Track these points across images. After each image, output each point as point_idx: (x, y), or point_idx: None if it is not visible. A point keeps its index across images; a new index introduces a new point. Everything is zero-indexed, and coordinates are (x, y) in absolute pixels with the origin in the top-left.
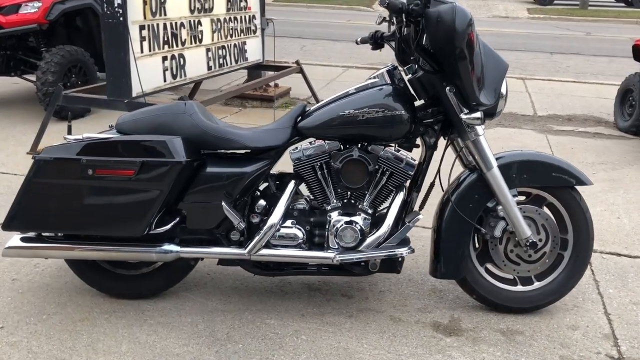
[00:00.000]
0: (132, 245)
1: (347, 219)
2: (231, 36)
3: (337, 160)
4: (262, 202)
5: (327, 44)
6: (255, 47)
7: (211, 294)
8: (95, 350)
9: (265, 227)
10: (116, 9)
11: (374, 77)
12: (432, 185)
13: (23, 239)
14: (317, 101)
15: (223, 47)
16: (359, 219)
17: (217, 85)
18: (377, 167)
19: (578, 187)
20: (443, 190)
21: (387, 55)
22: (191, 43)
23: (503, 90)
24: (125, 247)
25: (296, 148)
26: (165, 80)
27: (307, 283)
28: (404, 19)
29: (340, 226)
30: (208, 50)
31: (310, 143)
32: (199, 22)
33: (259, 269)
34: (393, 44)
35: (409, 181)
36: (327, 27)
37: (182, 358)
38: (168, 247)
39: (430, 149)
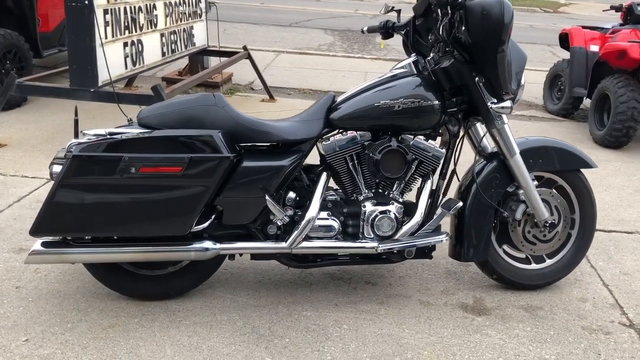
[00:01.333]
0: (167, 245)
1: (381, 208)
2: (181, 20)
3: (375, 151)
4: (291, 195)
5: (248, 27)
6: (201, 31)
7: (237, 289)
8: (139, 356)
9: (304, 220)
10: None
11: (399, 68)
12: (453, 172)
13: (46, 244)
14: (265, 86)
15: (174, 32)
16: (392, 207)
17: (153, 73)
18: (413, 156)
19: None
20: (458, 179)
21: (312, 39)
22: (148, 28)
23: (523, 80)
24: (161, 247)
25: (328, 139)
26: (126, 68)
27: (328, 273)
28: (449, 11)
29: (376, 216)
30: (162, 35)
31: (341, 134)
32: (154, 6)
33: (296, 261)
34: (403, 33)
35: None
36: (242, 10)
37: (233, 357)
38: (207, 244)
39: (454, 137)
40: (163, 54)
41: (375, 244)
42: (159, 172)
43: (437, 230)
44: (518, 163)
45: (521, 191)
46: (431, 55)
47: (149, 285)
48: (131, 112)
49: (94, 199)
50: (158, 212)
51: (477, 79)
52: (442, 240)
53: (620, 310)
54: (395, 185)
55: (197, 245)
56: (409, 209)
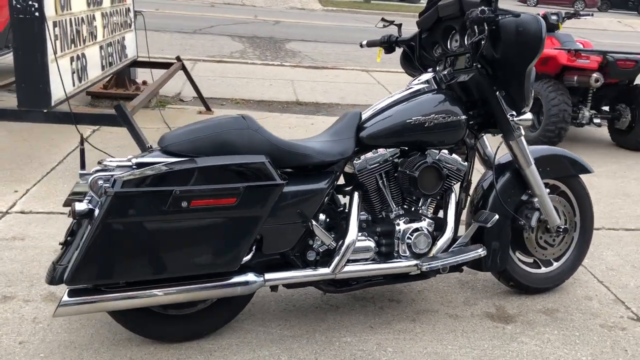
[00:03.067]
0: (211, 281)
1: (415, 225)
2: (115, 31)
3: (412, 168)
4: (322, 217)
5: (151, 34)
6: (132, 42)
7: (266, 320)
8: None
9: (345, 243)
10: (30, 2)
11: (420, 83)
12: (469, 184)
13: (75, 293)
14: (202, 98)
15: (110, 43)
16: (424, 224)
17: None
18: (446, 171)
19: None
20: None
21: (222, 47)
22: (90, 40)
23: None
24: (205, 284)
25: (359, 158)
26: (74, 85)
27: (350, 294)
28: (485, 28)
29: (412, 233)
30: (101, 47)
31: (372, 152)
32: (94, 17)
33: (334, 286)
34: (405, 47)
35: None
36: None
37: None
38: (250, 277)
39: (472, 149)
40: (103, 67)
41: (416, 262)
42: (213, 204)
43: (468, 244)
44: (534, 172)
45: (536, 199)
46: (438, 68)
47: (179, 325)
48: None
49: (140, 239)
50: (209, 249)
51: (497, 92)
52: (480, 255)
53: (623, 305)
54: (421, 201)
55: (241, 278)
56: (437, 225)
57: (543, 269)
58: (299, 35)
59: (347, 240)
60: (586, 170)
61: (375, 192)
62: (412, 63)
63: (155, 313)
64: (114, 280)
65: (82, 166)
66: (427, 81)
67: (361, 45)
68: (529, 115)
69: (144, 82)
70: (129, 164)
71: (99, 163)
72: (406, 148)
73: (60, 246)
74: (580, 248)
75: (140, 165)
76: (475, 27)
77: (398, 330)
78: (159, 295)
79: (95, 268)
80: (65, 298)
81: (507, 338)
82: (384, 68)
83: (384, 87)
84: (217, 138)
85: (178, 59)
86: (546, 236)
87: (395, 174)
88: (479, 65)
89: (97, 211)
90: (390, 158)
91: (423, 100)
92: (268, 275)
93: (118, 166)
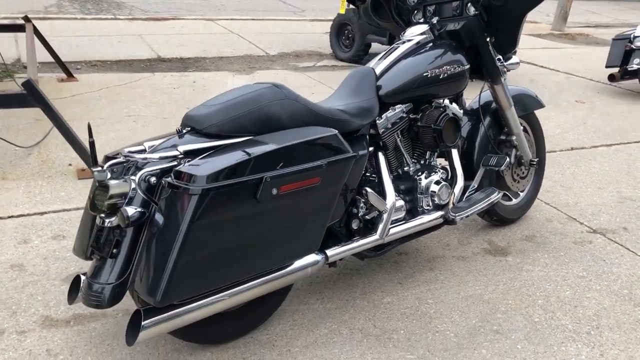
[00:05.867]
0: (284, 268)
1: (435, 178)
2: None
3: (435, 121)
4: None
5: None
6: None
7: (302, 298)
8: None
9: (387, 206)
10: None
11: (416, 35)
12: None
13: (151, 312)
14: (61, 63)
15: None
16: (440, 176)
17: None
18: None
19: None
20: None
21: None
22: None
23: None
24: (280, 272)
25: (380, 118)
26: None
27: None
28: None
29: (433, 186)
30: None
31: (391, 110)
32: None
33: (374, 251)
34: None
35: None
36: None
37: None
38: (314, 256)
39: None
40: None
41: (441, 214)
42: (300, 187)
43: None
44: (513, 113)
45: (514, 137)
46: (416, 18)
47: (234, 323)
48: None
49: (231, 237)
50: (296, 235)
51: (488, 39)
52: (498, 197)
53: (577, 222)
54: (428, 153)
55: (310, 259)
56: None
57: (514, 201)
58: None
59: (389, 203)
60: (541, 105)
61: (394, 150)
62: (381, 13)
63: (211, 316)
64: (209, 288)
65: (94, 162)
66: (423, 32)
67: None
68: (516, 59)
69: None
70: (176, 152)
71: (108, 157)
72: (412, 103)
73: (94, 259)
74: (538, 177)
75: (188, 153)
76: None
77: (424, 281)
78: (242, 293)
79: (190, 279)
80: (147, 320)
81: (514, 269)
82: (228, 16)
83: (240, 37)
84: (260, 113)
85: (26, 19)
86: (519, 170)
87: (410, 130)
88: (476, 12)
89: (157, 215)
90: (406, 114)
91: (432, 52)
92: (329, 252)
93: (161, 158)
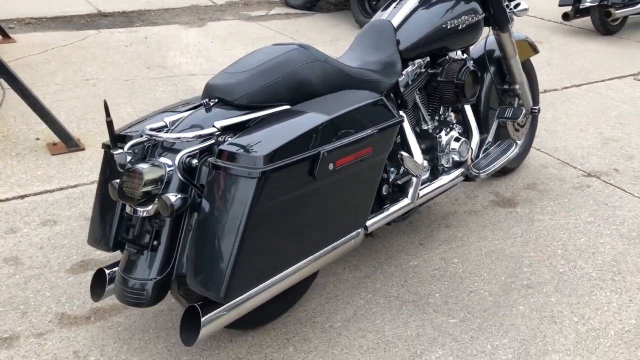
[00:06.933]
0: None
1: (454, 134)
2: None
3: (457, 75)
4: None
5: None
6: None
7: (329, 268)
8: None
9: (418, 170)
10: None
11: None
12: None
13: (206, 307)
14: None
15: None
16: (458, 132)
17: None
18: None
19: None
20: None
21: None
22: None
23: None
24: (331, 246)
25: (401, 75)
26: None
27: None
28: None
29: (453, 143)
30: None
31: (410, 65)
32: None
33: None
34: None
35: None
36: None
37: (421, 330)
38: None
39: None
40: None
41: (462, 171)
42: (354, 159)
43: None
44: (517, 62)
45: (517, 86)
46: None
47: (269, 305)
48: None
49: (291, 220)
50: (345, 211)
51: None
52: (516, 151)
53: (570, 166)
54: (442, 109)
55: (352, 232)
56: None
57: (514, 149)
58: None
59: (422, 165)
60: (537, 51)
61: (413, 107)
62: None
63: None
64: (271, 277)
65: (114, 144)
66: None
67: None
68: (524, 4)
69: None
70: (212, 130)
71: (124, 137)
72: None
73: (127, 252)
74: (532, 126)
75: (226, 129)
76: None
77: (444, 240)
78: (296, 273)
79: (253, 270)
80: (206, 315)
81: (526, 220)
82: None
83: None
84: (291, 79)
85: None
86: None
87: (428, 85)
88: None
89: (203, 201)
90: (424, 69)
91: (446, 2)
92: (367, 222)
93: (198, 136)
